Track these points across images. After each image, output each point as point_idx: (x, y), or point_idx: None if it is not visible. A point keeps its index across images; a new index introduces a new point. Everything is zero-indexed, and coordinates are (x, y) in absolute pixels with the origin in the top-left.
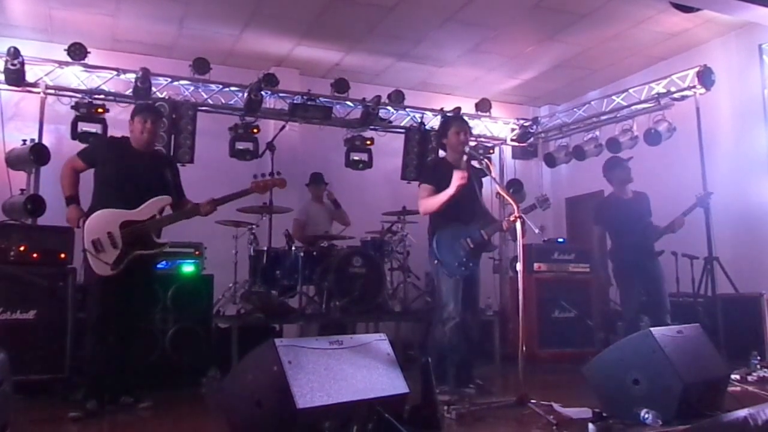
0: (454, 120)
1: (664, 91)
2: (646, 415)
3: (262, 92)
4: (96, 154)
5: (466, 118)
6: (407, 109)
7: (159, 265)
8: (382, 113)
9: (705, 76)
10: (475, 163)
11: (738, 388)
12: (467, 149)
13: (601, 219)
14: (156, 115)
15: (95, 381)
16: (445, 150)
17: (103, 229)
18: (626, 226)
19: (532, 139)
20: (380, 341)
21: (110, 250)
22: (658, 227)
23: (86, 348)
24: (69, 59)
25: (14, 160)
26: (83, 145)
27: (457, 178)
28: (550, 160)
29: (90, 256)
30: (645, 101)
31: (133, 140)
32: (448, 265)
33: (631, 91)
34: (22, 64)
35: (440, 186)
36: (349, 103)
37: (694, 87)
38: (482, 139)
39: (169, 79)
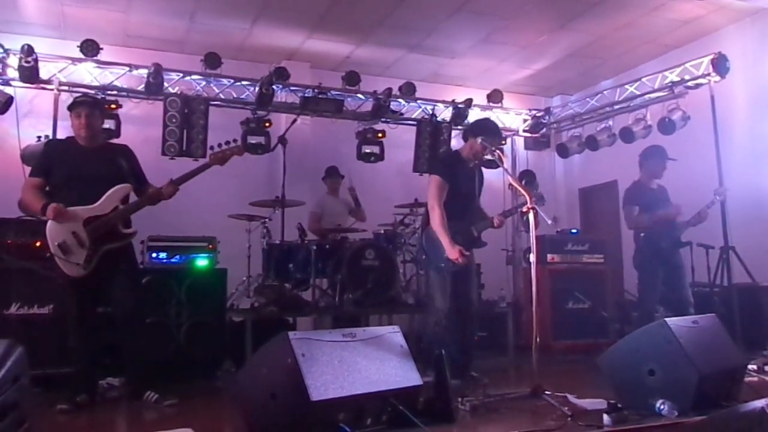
0: (493, 132)
1: (678, 79)
2: (662, 406)
3: (274, 86)
4: (45, 164)
5: (478, 109)
6: (418, 101)
7: (173, 260)
8: (393, 105)
9: (719, 64)
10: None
11: (755, 379)
12: (479, 140)
13: (634, 200)
14: (90, 107)
15: (82, 375)
16: (465, 141)
17: (67, 230)
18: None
19: (544, 129)
20: (393, 333)
21: (78, 250)
22: (682, 221)
23: (70, 345)
24: (82, 56)
25: (29, 157)
26: None
27: (454, 256)
28: (563, 151)
29: (59, 260)
30: (658, 90)
31: (76, 137)
32: (435, 259)
33: (644, 79)
34: (36, 61)
35: (452, 181)
36: (360, 95)
37: (708, 75)
38: None
39: (181, 74)
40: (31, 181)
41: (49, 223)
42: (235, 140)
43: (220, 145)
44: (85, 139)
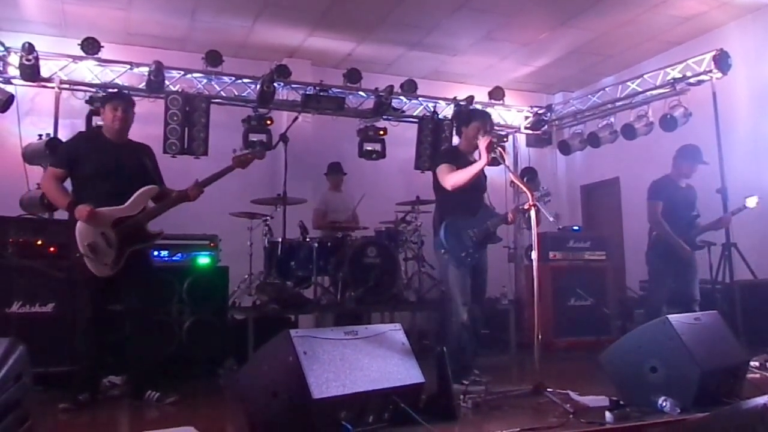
0: (479, 115)
1: (680, 76)
2: (664, 403)
3: (275, 84)
4: (71, 156)
5: (479, 106)
6: (420, 99)
7: (175, 258)
8: (394, 103)
9: (721, 61)
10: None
11: (757, 375)
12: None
13: (660, 195)
14: (127, 102)
15: (87, 375)
16: (460, 136)
17: (96, 230)
18: (675, 212)
19: (546, 126)
20: (395, 331)
21: (107, 251)
22: (699, 223)
23: (79, 344)
24: (83, 54)
25: (31, 155)
26: None
27: (485, 146)
28: (565, 148)
29: (87, 260)
30: (660, 87)
31: (105, 130)
32: (455, 255)
33: (646, 76)
34: (37, 59)
35: (459, 168)
36: (361, 93)
37: (710, 71)
38: (496, 128)
39: (182, 72)
40: (53, 172)
41: (79, 223)
42: (261, 142)
43: (241, 149)
44: (116, 134)
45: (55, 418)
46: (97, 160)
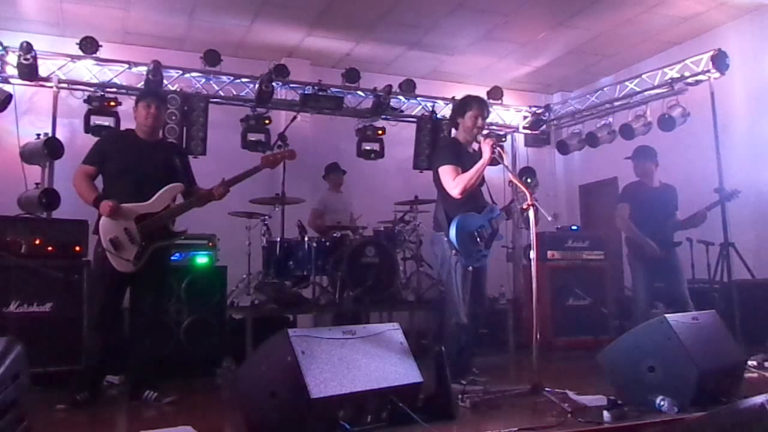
0: (475, 101)
1: (678, 76)
2: (662, 403)
3: (273, 83)
4: (102, 153)
5: None
6: (418, 98)
7: (173, 257)
8: (393, 102)
9: (719, 60)
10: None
11: (755, 375)
12: (480, 138)
13: (626, 198)
14: (160, 100)
15: (90, 373)
16: (457, 128)
17: (120, 225)
18: (647, 213)
19: (544, 126)
20: (393, 331)
21: (129, 247)
22: (678, 221)
23: (89, 342)
24: (81, 53)
25: (29, 155)
26: (95, 138)
27: (489, 146)
28: (563, 148)
29: (110, 255)
30: (658, 87)
31: (137, 128)
32: (466, 254)
33: (644, 76)
34: (35, 58)
35: (461, 166)
36: (360, 92)
37: (708, 71)
38: (494, 127)
39: (181, 72)
40: (84, 169)
41: (103, 218)
42: (287, 144)
43: (272, 148)
44: (147, 132)
45: (53, 418)
46: (126, 158)
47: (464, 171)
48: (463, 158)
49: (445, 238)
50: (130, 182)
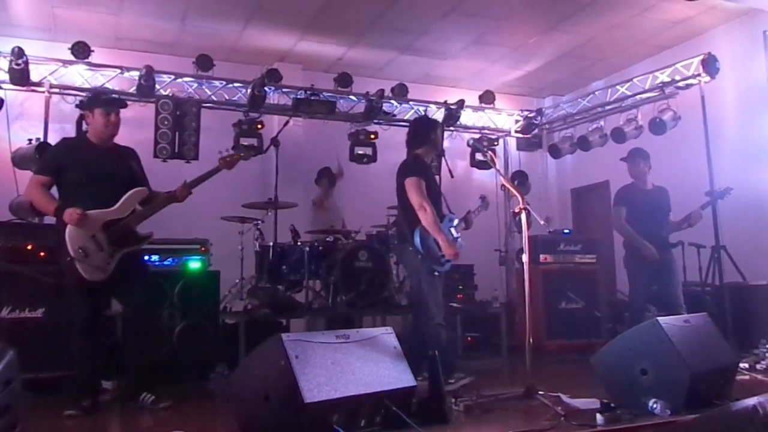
0: (438, 125)
1: (669, 80)
2: (655, 405)
3: (266, 88)
4: (56, 163)
5: (470, 110)
6: (411, 103)
7: (165, 262)
8: (385, 107)
9: (709, 64)
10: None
11: (747, 377)
12: (471, 141)
13: (621, 201)
14: (120, 107)
15: (87, 380)
16: (419, 147)
17: (87, 234)
18: (642, 216)
19: (536, 130)
20: (387, 335)
21: (98, 254)
22: (673, 222)
23: (73, 350)
24: (73, 58)
25: (20, 160)
26: None
27: (453, 252)
28: (555, 151)
29: (79, 264)
30: (649, 90)
31: (93, 135)
32: (432, 259)
33: (635, 80)
34: (27, 63)
35: (426, 180)
36: (352, 97)
37: (698, 75)
38: (486, 131)
39: (173, 77)
40: (39, 179)
41: (69, 227)
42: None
43: (227, 150)
44: (104, 139)
45: (45, 424)
46: (85, 166)
47: (429, 183)
48: (427, 172)
49: (411, 248)
50: (91, 190)
